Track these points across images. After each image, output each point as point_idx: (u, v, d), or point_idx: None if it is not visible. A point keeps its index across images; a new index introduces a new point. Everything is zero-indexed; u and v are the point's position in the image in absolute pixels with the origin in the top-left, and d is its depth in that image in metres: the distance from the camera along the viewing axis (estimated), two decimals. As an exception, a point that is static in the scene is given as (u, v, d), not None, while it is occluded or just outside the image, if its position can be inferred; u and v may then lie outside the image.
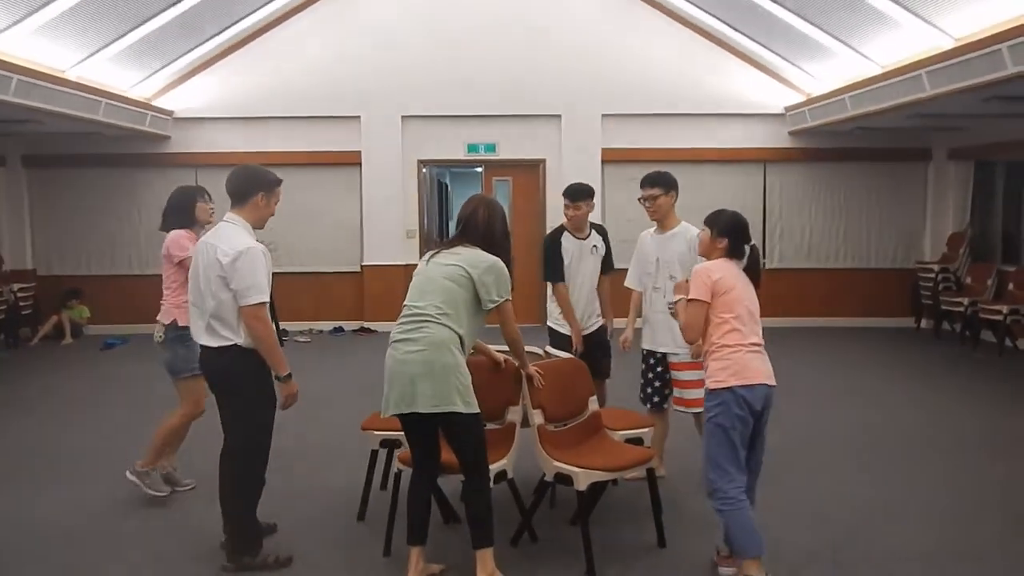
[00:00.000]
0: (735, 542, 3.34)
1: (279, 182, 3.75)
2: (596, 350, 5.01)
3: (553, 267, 5.00)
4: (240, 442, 3.64)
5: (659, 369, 4.72)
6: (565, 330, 4.98)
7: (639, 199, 4.73)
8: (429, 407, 3.31)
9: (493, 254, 3.51)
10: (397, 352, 3.39)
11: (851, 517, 4.25)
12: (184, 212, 4.60)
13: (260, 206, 3.66)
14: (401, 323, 3.44)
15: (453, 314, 3.37)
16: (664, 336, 4.63)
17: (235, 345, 3.55)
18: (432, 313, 3.36)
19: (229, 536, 3.66)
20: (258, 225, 3.70)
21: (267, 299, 3.55)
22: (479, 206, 3.62)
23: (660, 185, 4.63)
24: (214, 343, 3.57)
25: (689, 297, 3.43)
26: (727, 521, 3.33)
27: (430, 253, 3.59)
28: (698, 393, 4.21)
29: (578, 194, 4.99)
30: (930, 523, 4.18)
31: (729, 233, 3.50)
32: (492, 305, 3.45)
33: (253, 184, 3.65)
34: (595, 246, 5.08)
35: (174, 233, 4.53)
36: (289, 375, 3.66)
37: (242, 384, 3.60)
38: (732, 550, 3.43)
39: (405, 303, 3.50)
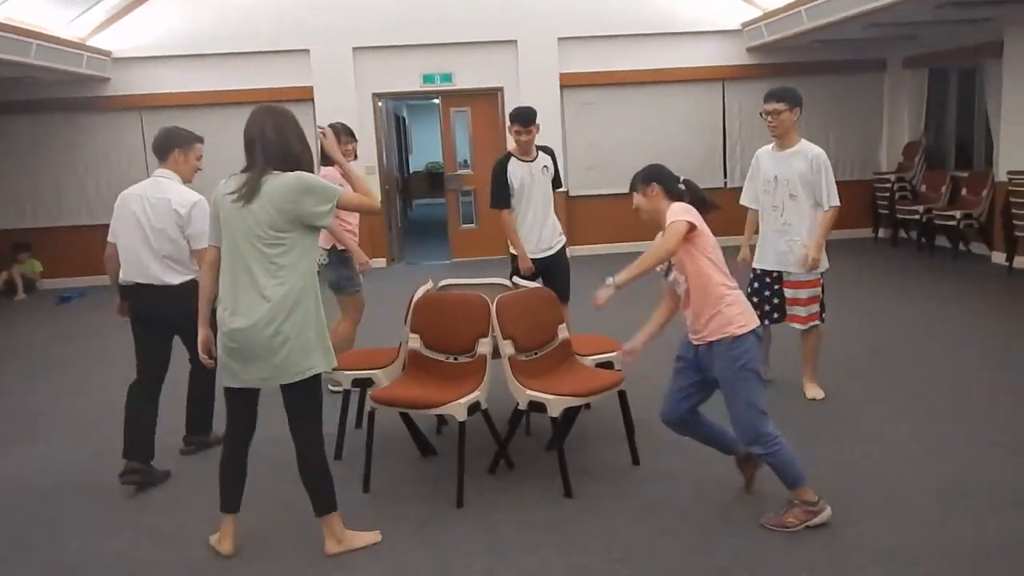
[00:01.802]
0: (788, 476, 3.23)
1: (197, 139, 4.13)
2: (559, 273, 5.03)
3: (498, 194, 4.99)
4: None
5: (776, 287, 4.73)
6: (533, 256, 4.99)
7: (761, 113, 4.63)
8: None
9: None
10: None
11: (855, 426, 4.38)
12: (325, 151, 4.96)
13: (179, 161, 4.06)
14: None
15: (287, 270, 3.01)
16: (781, 256, 4.65)
17: (194, 279, 3.94)
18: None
19: (188, 421, 4.40)
20: (186, 178, 4.09)
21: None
22: (266, 118, 3.02)
23: (785, 100, 4.54)
24: (176, 280, 4.01)
25: (675, 220, 3.11)
26: (778, 460, 3.19)
27: (228, 199, 3.01)
28: (814, 308, 4.69)
29: (530, 117, 4.92)
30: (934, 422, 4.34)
31: (651, 177, 3.30)
32: (330, 213, 3.00)
33: (170, 142, 4.06)
34: (545, 166, 5.06)
35: (325, 170, 4.82)
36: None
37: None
38: (787, 484, 3.25)
39: None
